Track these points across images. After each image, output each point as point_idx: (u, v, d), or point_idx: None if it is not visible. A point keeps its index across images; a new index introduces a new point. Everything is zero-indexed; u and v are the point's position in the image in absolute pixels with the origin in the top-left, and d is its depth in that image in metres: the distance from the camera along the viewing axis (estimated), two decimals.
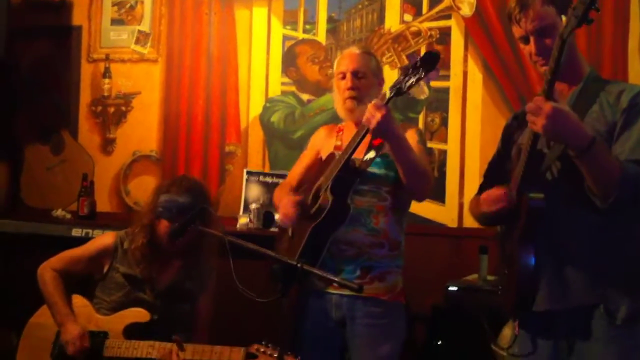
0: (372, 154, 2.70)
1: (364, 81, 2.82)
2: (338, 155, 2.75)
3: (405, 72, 2.51)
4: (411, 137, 2.76)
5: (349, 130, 2.85)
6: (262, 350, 2.59)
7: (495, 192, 2.18)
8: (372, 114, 2.51)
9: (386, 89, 2.64)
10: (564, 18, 1.95)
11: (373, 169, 2.74)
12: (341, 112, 2.88)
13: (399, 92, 2.53)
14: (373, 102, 2.55)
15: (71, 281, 3.02)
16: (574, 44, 2.14)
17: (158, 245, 2.95)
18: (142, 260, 2.92)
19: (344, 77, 2.83)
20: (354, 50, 2.90)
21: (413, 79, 2.47)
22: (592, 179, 1.96)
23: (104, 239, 3.08)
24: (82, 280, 3.04)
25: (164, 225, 2.93)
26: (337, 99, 2.89)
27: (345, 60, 2.86)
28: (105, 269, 3.00)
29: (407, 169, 2.66)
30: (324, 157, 2.92)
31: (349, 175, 2.67)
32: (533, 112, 1.94)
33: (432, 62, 2.46)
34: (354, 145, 2.64)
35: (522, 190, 2.07)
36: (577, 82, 2.15)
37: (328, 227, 2.66)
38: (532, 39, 2.10)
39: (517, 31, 2.15)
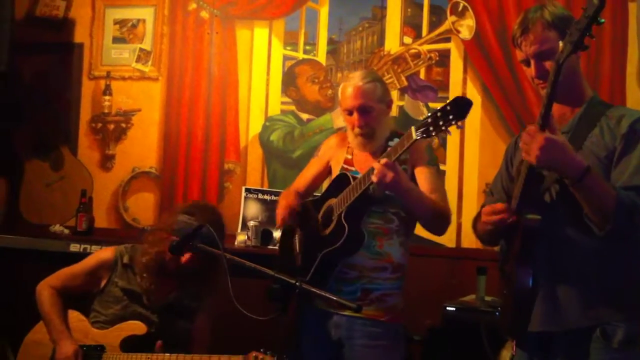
0: None
1: (372, 114, 2.75)
2: (350, 174, 2.73)
3: (434, 115, 2.33)
4: (423, 172, 2.76)
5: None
6: (260, 357, 2.62)
7: (496, 205, 2.16)
8: (383, 174, 2.47)
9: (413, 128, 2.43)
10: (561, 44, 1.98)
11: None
12: (353, 143, 2.84)
13: (427, 136, 2.36)
14: (383, 161, 2.49)
15: (70, 298, 3.01)
16: (578, 67, 2.16)
17: (165, 261, 2.93)
18: (145, 270, 2.91)
19: (350, 114, 2.77)
20: (357, 82, 2.76)
21: (442, 127, 2.31)
22: (587, 207, 1.98)
23: (103, 253, 3.07)
24: (80, 296, 3.04)
25: None
26: (349, 131, 2.85)
27: (350, 94, 2.76)
28: (103, 283, 2.99)
29: (421, 216, 2.71)
30: (334, 169, 2.91)
31: (363, 203, 2.66)
32: (526, 142, 1.96)
33: (462, 109, 2.28)
34: (368, 184, 2.58)
35: (521, 211, 2.08)
36: (580, 105, 2.16)
37: (342, 254, 2.68)
38: (532, 62, 2.12)
39: (519, 54, 2.18)
